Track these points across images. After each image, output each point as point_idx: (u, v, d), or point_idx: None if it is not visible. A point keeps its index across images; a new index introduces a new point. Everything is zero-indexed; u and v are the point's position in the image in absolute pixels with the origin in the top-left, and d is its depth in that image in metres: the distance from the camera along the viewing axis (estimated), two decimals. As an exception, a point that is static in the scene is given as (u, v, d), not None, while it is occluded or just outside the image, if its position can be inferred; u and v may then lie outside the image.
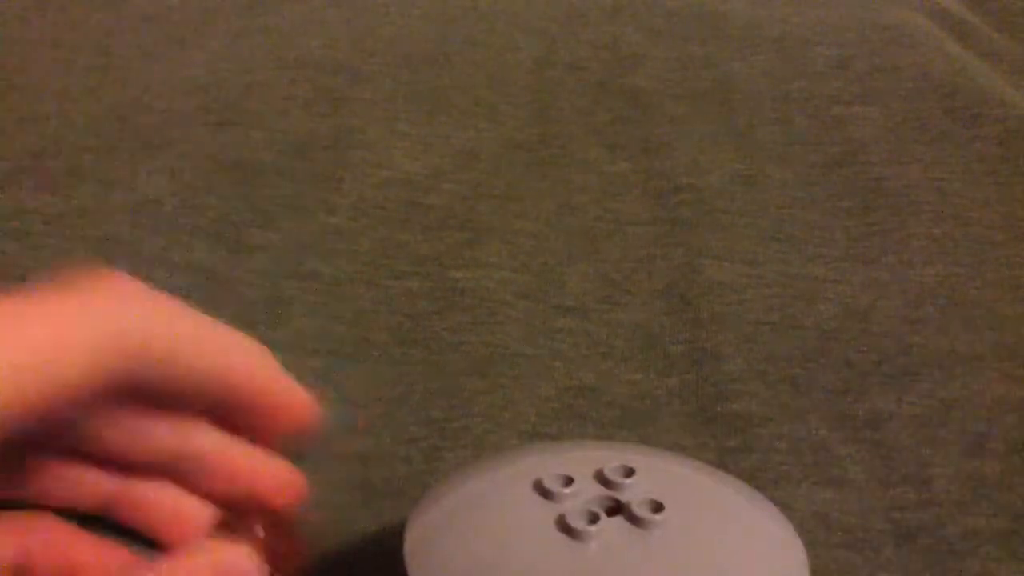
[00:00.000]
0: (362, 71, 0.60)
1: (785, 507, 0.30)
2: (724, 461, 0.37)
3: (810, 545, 0.28)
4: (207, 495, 0.37)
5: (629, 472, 0.28)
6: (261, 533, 0.36)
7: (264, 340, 0.44)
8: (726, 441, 0.39)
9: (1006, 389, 0.43)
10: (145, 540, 0.36)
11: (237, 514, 0.36)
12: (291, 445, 0.36)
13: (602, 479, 0.28)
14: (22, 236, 0.49)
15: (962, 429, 0.40)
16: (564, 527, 0.26)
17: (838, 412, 0.41)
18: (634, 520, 0.27)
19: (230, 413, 0.36)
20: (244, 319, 0.45)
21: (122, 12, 0.63)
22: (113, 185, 0.52)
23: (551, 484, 0.27)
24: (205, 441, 0.36)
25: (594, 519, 0.26)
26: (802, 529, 0.29)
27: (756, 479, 0.31)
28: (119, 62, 0.63)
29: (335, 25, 0.63)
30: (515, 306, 0.46)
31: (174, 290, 0.34)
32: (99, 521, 0.35)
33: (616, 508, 0.27)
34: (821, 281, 0.48)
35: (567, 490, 0.27)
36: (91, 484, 0.37)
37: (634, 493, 0.27)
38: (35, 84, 0.61)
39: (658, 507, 0.27)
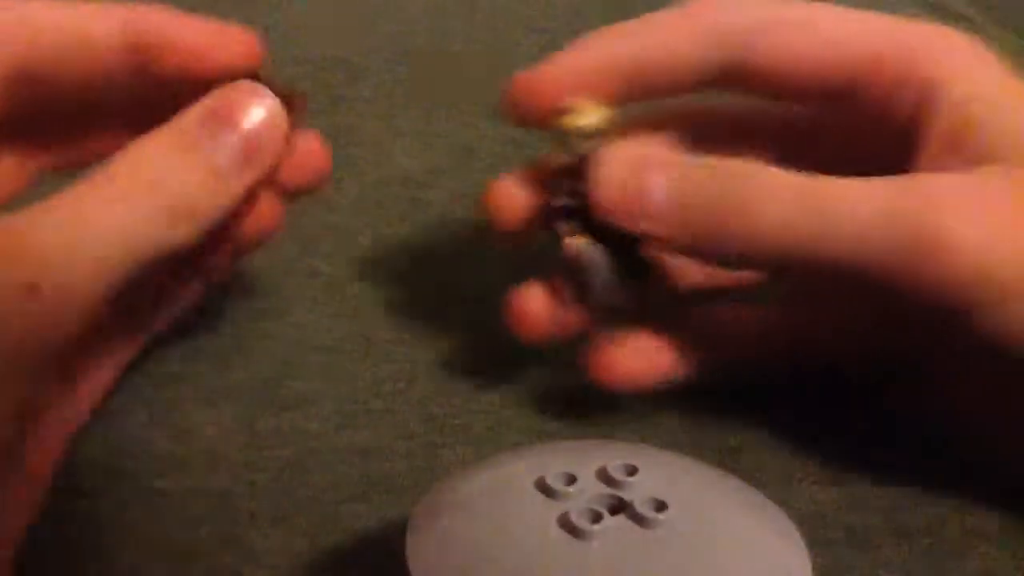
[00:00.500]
0: (361, 68, 0.59)
1: (786, 506, 0.30)
2: (725, 461, 0.37)
3: (811, 544, 0.28)
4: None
5: (632, 471, 0.28)
6: None
7: (264, 337, 0.44)
8: (727, 441, 0.39)
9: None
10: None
11: None
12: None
13: (605, 477, 0.28)
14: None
15: (963, 427, 0.40)
16: (567, 526, 0.26)
17: (839, 410, 0.41)
18: (637, 519, 0.27)
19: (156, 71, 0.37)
20: (244, 317, 0.45)
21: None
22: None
23: (554, 482, 0.27)
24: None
25: (597, 518, 0.26)
26: (803, 528, 0.29)
27: (757, 478, 0.31)
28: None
29: (334, 21, 0.63)
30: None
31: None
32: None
33: (619, 507, 0.27)
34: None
35: (570, 488, 0.27)
36: None
37: (637, 492, 0.27)
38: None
39: (661, 506, 0.27)
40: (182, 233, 0.33)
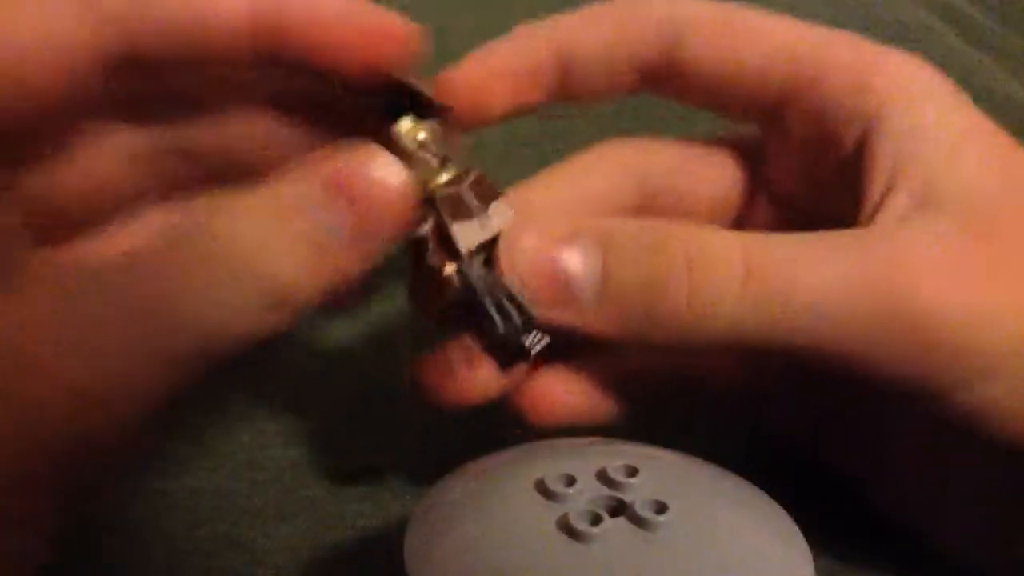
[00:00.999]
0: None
1: (789, 506, 0.30)
2: (726, 459, 0.37)
3: (813, 544, 0.28)
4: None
5: (632, 472, 0.28)
6: None
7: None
8: (728, 439, 0.39)
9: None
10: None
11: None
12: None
13: (605, 479, 0.28)
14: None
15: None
16: (566, 528, 0.26)
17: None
18: (637, 521, 0.26)
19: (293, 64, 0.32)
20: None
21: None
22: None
23: (553, 484, 0.27)
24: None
25: (596, 520, 0.26)
26: (806, 528, 0.29)
27: (759, 477, 0.31)
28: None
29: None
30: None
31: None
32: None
33: (619, 509, 0.27)
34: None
35: (569, 490, 0.27)
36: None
37: (637, 493, 0.27)
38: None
39: (662, 508, 0.27)
40: (271, 322, 0.28)
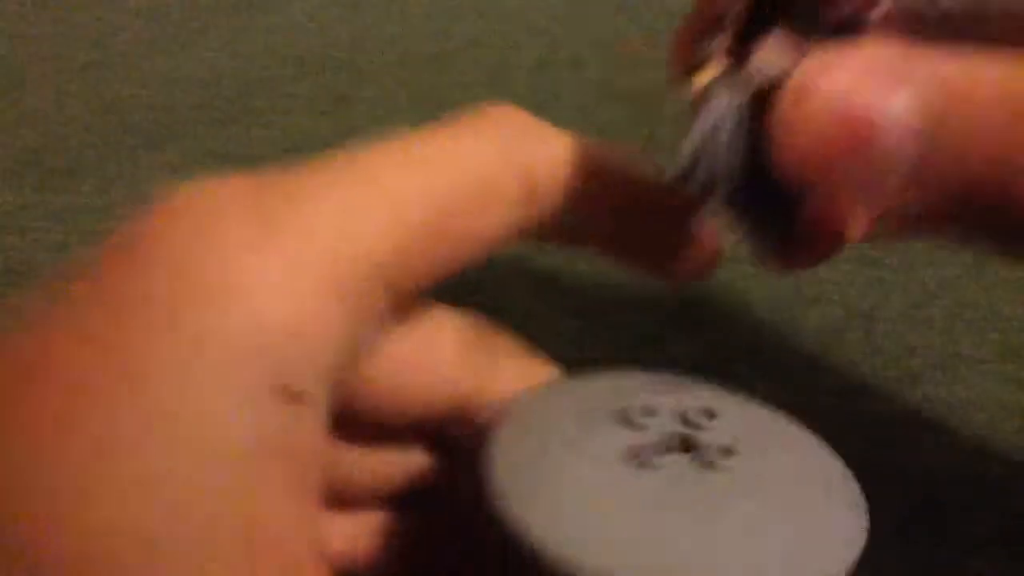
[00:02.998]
0: (364, 70, 0.60)
1: (863, 479, 0.29)
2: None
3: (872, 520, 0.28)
4: None
5: (711, 415, 0.28)
6: None
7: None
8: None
9: (1009, 392, 0.43)
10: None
11: None
12: None
13: (683, 418, 0.28)
14: (24, 232, 0.49)
15: (964, 431, 0.41)
16: (633, 455, 0.26)
17: (842, 413, 0.41)
18: (703, 461, 0.26)
19: None
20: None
21: (122, 9, 0.63)
22: (113, 181, 0.52)
23: (633, 414, 0.27)
24: None
25: (664, 452, 0.26)
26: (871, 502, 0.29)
27: (842, 446, 0.31)
28: (119, 59, 0.62)
29: (337, 23, 0.63)
30: (518, 306, 0.46)
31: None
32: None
33: (690, 447, 0.27)
34: (825, 282, 0.49)
35: (647, 421, 0.27)
36: None
37: (711, 436, 0.27)
38: (35, 80, 0.61)
39: (729, 452, 0.27)
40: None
